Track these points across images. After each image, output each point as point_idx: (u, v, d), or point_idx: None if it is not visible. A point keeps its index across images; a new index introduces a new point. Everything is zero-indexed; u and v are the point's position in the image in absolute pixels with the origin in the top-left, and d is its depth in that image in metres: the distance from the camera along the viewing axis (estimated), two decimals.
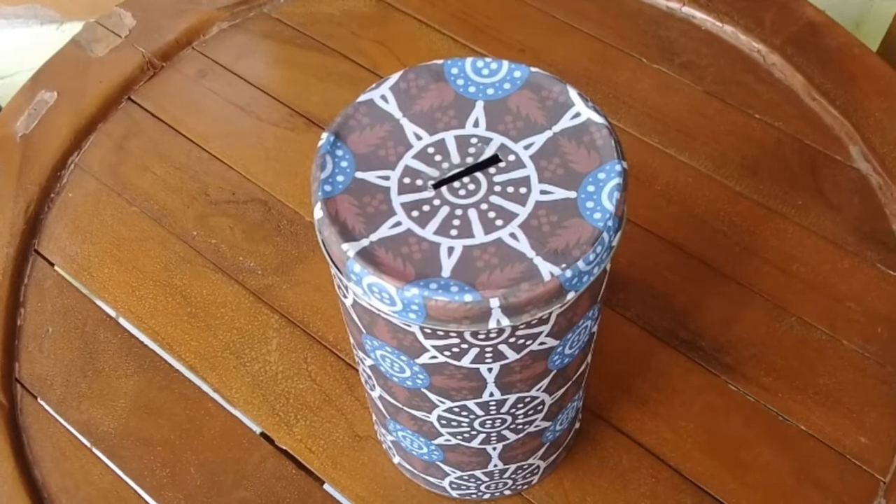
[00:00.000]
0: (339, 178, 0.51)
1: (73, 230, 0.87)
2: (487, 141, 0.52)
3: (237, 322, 0.81)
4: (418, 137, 0.53)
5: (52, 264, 0.85)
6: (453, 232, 0.49)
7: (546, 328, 0.50)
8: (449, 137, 0.53)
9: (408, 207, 0.50)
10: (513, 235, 0.48)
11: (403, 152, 0.52)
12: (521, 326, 0.49)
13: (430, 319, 0.48)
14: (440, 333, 0.49)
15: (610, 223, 0.49)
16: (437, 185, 0.51)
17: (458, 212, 0.49)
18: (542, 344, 0.52)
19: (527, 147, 0.52)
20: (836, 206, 0.85)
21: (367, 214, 0.50)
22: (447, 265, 0.47)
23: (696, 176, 0.88)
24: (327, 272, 0.83)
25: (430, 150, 0.52)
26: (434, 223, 0.49)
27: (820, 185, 0.87)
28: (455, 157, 0.52)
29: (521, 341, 0.50)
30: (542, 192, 0.50)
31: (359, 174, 0.51)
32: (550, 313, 0.49)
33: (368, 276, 0.47)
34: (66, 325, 0.82)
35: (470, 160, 0.52)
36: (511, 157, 0.52)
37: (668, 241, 0.84)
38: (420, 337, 0.50)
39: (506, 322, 0.48)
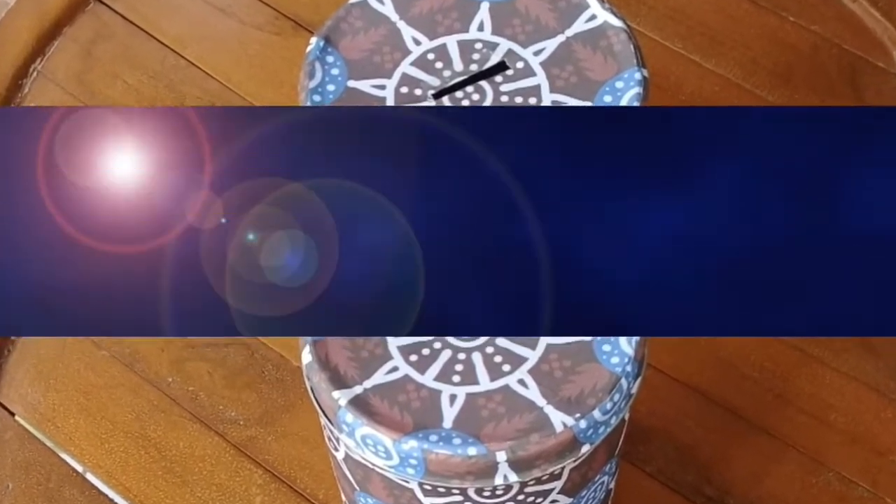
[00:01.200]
0: (330, 88, 0.51)
1: (35, 376, 0.87)
2: (493, 46, 0.52)
3: (217, 477, 0.81)
4: (417, 42, 0.53)
5: (12, 414, 0.85)
6: (455, 378, 0.49)
7: (558, 484, 0.50)
8: (451, 42, 0.53)
9: (405, 351, 0.50)
10: (521, 382, 0.49)
11: (401, 59, 0.52)
12: (531, 482, 0.49)
13: (431, 475, 0.48)
14: (441, 490, 0.49)
15: (629, 368, 0.49)
16: (438, 95, 0.51)
17: (461, 356, 0.50)
18: (553, 502, 0.51)
19: (537, 53, 0.52)
20: (878, 352, 0.85)
21: (361, 359, 0.50)
22: (449, 415, 0.48)
23: (724, 85, 0.88)
24: (316, 422, 0.83)
25: (431, 56, 0.52)
26: (434, 368, 0.49)
27: (860, 96, 0.87)
28: (458, 65, 0.52)
29: (531, 499, 0.50)
30: (554, 102, 0.49)
31: (351, 83, 0.51)
32: (563, 468, 0.49)
33: (362, 427, 0.48)
34: (27, 480, 0.81)
35: (474, 67, 0.51)
36: (519, 65, 0.51)
37: (692, 386, 0.84)
38: (419, 494, 0.50)
39: (514, 478, 0.48)
